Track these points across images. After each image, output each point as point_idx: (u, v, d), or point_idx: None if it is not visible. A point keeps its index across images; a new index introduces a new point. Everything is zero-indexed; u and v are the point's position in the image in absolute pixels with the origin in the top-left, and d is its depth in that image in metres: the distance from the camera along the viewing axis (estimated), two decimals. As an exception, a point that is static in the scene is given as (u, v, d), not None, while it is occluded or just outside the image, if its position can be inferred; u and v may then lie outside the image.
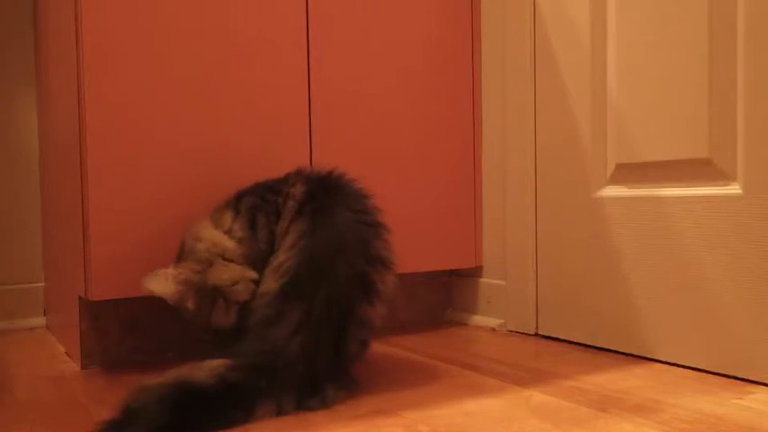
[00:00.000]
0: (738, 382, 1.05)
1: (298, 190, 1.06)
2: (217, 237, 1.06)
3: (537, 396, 0.99)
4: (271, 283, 0.98)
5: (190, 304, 1.03)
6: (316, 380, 0.94)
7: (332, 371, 0.96)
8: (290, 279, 0.96)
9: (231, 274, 1.02)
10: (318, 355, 0.93)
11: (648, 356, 1.20)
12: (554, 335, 1.38)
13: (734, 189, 1.06)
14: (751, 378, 1.04)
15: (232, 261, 1.04)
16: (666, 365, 1.15)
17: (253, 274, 1.02)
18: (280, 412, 0.90)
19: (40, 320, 1.70)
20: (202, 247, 1.05)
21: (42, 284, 1.72)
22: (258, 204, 1.08)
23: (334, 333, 0.95)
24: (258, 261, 1.03)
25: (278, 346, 0.92)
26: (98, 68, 1.15)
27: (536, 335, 1.42)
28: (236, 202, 1.11)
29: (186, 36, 1.22)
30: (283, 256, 0.99)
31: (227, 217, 1.09)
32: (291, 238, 1.00)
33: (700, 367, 1.11)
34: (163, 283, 1.02)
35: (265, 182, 1.13)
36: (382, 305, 1.00)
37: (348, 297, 0.96)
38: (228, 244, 1.05)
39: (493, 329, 1.50)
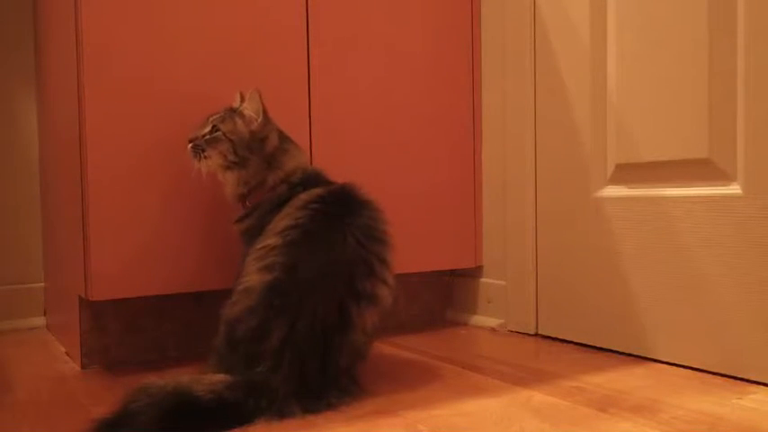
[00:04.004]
0: (738, 382, 1.05)
1: (312, 192, 1.07)
2: (242, 131, 1.11)
3: (537, 396, 0.99)
4: (254, 276, 0.98)
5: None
6: (315, 389, 0.94)
7: (327, 380, 0.96)
8: (274, 283, 0.95)
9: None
10: (308, 369, 0.94)
11: (648, 356, 1.20)
12: (554, 335, 1.38)
13: (734, 189, 1.06)
14: (751, 378, 1.04)
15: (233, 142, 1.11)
16: (666, 365, 1.15)
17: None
18: (282, 418, 0.90)
19: (40, 320, 1.70)
20: (244, 129, 1.11)
21: (42, 284, 1.72)
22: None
23: (320, 348, 0.95)
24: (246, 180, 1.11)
25: (269, 365, 0.92)
26: (98, 68, 1.15)
27: (536, 335, 1.42)
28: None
29: (186, 33, 1.22)
30: (271, 241, 0.99)
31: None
32: (285, 224, 1.01)
33: (700, 367, 1.11)
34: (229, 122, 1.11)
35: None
36: (357, 335, 0.98)
37: (329, 319, 0.96)
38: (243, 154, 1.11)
39: (493, 329, 1.50)
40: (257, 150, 1.11)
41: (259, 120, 1.11)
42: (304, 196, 1.06)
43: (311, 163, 1.34)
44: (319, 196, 1.05)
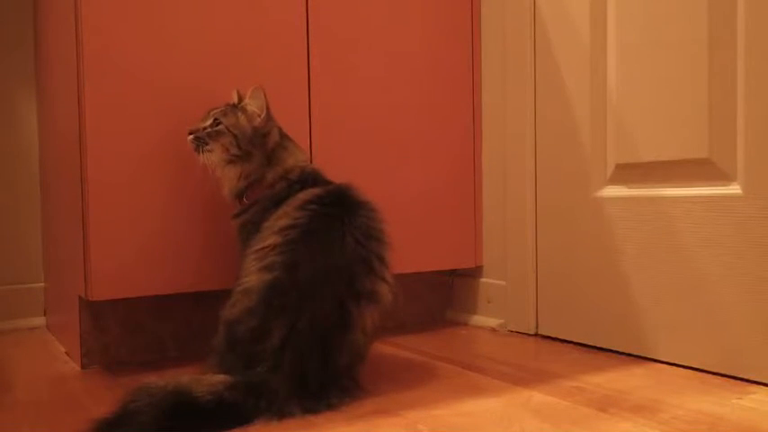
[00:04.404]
0: (738, 382, 1.05)
1: (310, 192, 1.07)
2: (244, 126, 1.11)
3: (537, 396, 0.99)
4: (253, 276, 0.98)
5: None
6: (315, 389, 0.94)
7: (327, 381, 0.96)
8: (274, 282, 0.95)
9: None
10: (309, 369, 0.94)
11: (648, 356, 1.20)
12: (554, 335, 1.38)
13: (734, 189, 1.06)
14: (751, 378, 1.04)
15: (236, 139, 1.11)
16: (666, 365, 1.15)
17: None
18: (282, 418, 0.90)
19: (40, 320, 1.70)
20: (246, 124, 1.11)
21: (42, 284, 1.72)
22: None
23: (320, 348, 0.95)
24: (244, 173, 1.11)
25: (269, 365, 0.92)
26: (98, 68, 1.15)
27: (536, 335, 1.42)
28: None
29: (186, 33, 1.22)
30: (270, 240, 0.99)
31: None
32: (283, 223, 1.00)
33: (700, 367, 1.11)
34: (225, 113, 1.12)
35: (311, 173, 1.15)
36: (357, 335, 0.99)
37: (329, 322, 0.96)
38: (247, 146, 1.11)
39: (493, 329, 1.50)
40: (259, 146, 1.11)
41: (262, 116, 1.12)
42: (302, 196, 1.06)
43: (311, 162, 1.34)
44: (317, 196, 1.05)
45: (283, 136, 1.15)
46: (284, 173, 1.12)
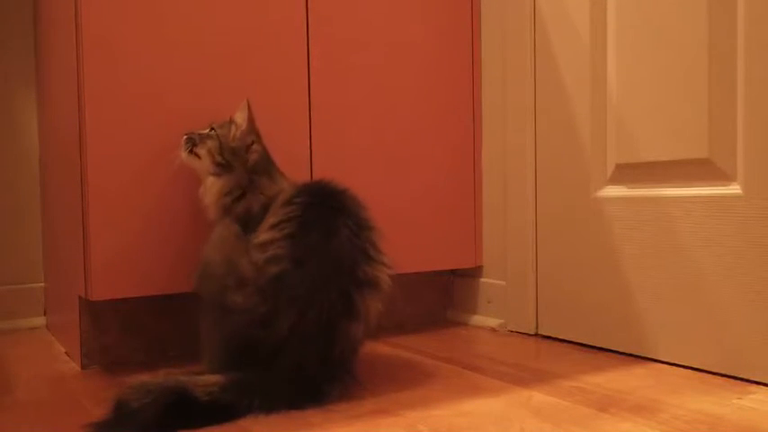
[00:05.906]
0: (738, 382, 1.05)
1: (291, 186, 1.09)
2: (230, 134, 1.14)
3: (537, 396, 0.99)
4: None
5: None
6: (313, 384, 0.95)
7: (325, 376, 0.96)
8: (282, 275, 0.95)
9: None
10: (308, 363, 0.94)
11: (648, 356, 1.20)
12: (554, 335, 1.38)
13: (734, 189, 1.06)
14: (751, 378, 1.04)
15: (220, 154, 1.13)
16: (666, 365, 1.15)
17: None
18: (271, 412, 0.91)
19: (40, 320, 1.70)
20: (231, 134, 1.15)
21: (42, 284, 1.72)
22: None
23: (323, 341, 0.95)
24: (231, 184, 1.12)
25: (269, 361, 0.93)
26: (98, 68, 1.15)
27: (536, 335, 1.42)
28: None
29: (187, 34, 1.22)
30: (268, 236, 0.99)
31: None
32: (274, 220, 1.01)
33: (700, 367, 1.11)
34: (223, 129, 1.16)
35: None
36: (359, 327, 0.99)
37: (335, 312, 0.96)
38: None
39: (493, 329, 1.50)
40: (240, 159, 1.13)
41: (243, 126, 1.14)
42: (283, 194, 1.07)
43: (311, 163, 1.35)
44: (300, 191, 1.05)
45: (269, 160, 1.16)
46: (267, 200, 1.11)
